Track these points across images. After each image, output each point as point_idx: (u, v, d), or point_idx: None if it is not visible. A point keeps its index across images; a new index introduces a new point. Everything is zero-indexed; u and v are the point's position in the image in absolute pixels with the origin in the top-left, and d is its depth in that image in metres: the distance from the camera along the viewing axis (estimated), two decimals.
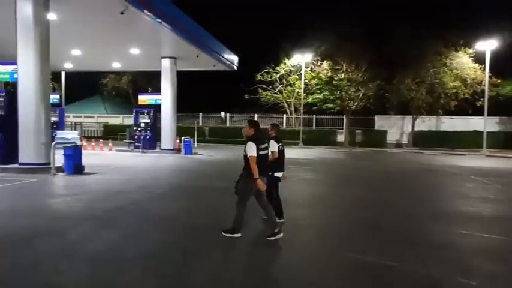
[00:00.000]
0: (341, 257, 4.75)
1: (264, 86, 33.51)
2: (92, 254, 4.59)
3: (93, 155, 16.66)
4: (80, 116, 37.61)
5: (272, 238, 5.25)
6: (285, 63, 32.50)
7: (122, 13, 11.86)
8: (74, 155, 11.29)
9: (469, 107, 27.12)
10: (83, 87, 38.90)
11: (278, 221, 5.91)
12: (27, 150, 11.27)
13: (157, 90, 23.42)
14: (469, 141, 26.08)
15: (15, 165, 11.28)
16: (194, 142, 20.70)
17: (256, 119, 32.54)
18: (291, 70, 32.75)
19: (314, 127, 31.88)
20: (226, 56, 21.66)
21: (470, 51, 26.81)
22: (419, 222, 6.65)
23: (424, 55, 26.59)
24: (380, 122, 30.84)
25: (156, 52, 19.43)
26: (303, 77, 29.81)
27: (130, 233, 5.58)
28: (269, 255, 4.84)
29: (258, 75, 33.21)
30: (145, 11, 12.76)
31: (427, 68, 27.10)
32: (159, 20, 13.75)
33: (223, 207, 7.45)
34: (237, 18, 48.50)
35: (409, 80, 27.44)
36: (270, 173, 5.91)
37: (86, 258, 4.44)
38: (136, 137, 20.82)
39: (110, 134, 31.13)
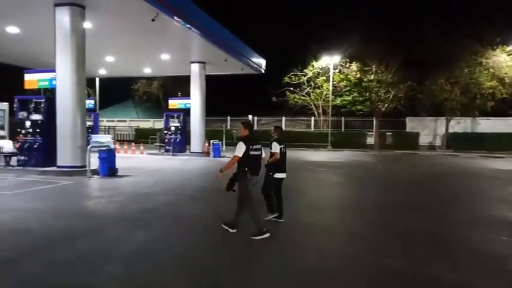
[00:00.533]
0: (373, 263, 4.64)
1: (291, 88, 33.39)
2: (126, 254, 4.72)
3: (126, 158, 17.16)
4: (113, 120, 38.89)
5: (224, 226, 5.61)
6: (313, 66, 32.28)
7: (153, 20, 12.19)
8: (108, 158, 11.68)
9: (507, 107, 25.89)
10: (115, 92, 40.20)
11: (279, 220, 6.29)
12: (65, 153, 11.76)
13: (186, 94, 23.86)
14: (508, 143, 24.88)
15: (54, 168, 11.80)
16: (222, 145, 20.92)
17: (284, 121, 32.53)
18: (318, 72, 32.48)
19: (343, 129, 31.41)
20: (254, 59, 21.78)
21: (508, 49, 25.63)
22: (456, 228, 6.40)
23: (458, 54, 25.65)
24: (411, 124, 29.98)
25: (185, 57, 19.82)
26: (331, 79, 29.49)
27: (162, 234, 5.70)
28: (301, 259, 4.79)
29: (285, 78, 33.15)
30: (175, 17, 13.06)
31: (462, 67, 26.12)
32: (188, 25, 14.03)
33: None
34: (264, 21, 48.67)
35: (442, 81, 26.55)
36: (271, 173, 6.27)
37: (120, 258, 4.58)
38: (166, 140, 21.29)
39: (141, 137, 32.03)
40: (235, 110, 34.08)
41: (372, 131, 29.31)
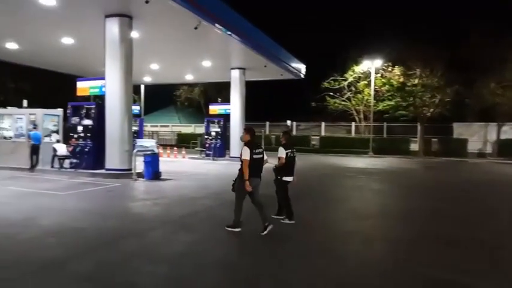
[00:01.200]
0: (416, 273, 4.46)
1: (331, 93, 32.98)
2: (170, 256, 4.87)
3: (169, 162, 17.70)
4: (157, 126, 40.30)
5: (264, 232, 5.74)
6: (354, 70, 31.71)
7: (195, 28, 12.56)
8: (152, 162, 12.13)
9: None
10: (159, 98, 41.75)
11: (288, 222, 6.61)
12: (113, 157, 12.36)
13: (226, 100, 24.27)
14: None
15: (102, 171, 12.43)
16: None
17: (323, 127, 32.16)
18: (359, 77, 31.84)
19: (385, 135, 30.47)
20: (293, 64, 21.78)
21: None
22: (504, 240, 6.01)
23: (511, 56, 24.09)
24: (459, 130, 28.50)
25: (226, 64, 20.20)
26: (372, 84, 28.78)
27: (204, 237, 5.82)
28: (341, 267, 4.71)
29: (325, 83, 32.80)
30: (216, 24, 13.37)
31: None
32: (229, 32, 14.31)
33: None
34: (303, 26, 48.52)
35: (493, 84, 25.07)
36: (278, 177, 6.75)
37: (165, 259, 4.73)
38: (207, 145, 21.74)
39: (183, 142, 32.92)
40: (274, 115, 34.19)
41: (416, 137, 28.21)
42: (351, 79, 32.03)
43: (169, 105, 47.01)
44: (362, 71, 31.25)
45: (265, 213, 5.98)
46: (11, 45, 16.71)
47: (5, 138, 14.66)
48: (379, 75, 29.82)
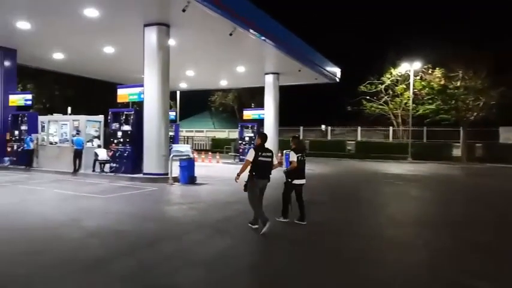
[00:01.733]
0: (456, 283, 4.20)
1: (367, 97, 32.25)
2: (206, 259, 4.88)
3: (203, 167, 17.94)
4: (192, 131, 41.08)
5: (251, 225, 6.40)
6: (391, 73, 30.86)
7: (230, 34, 12.72)
8: (188, 166, 12.33)
9: None
10: (194, 104, 42.62)
11: (301, 223, 6.86)
12: (150, 161, 12.70)
13: (260, 105, 24.34)
14: None
15: (140, 175, 12.79)
16: None
17: (359, 131, 31.48)
18: (397, 80, 30.94)
19: (425, 140, 29.31)
20: (328, 68, 21.52)
21: None
22: None
23: None
24: (506, 135, 26.85)
25: (260, 69, 20.30)
26: (411, 87, 27.85)
27: (239, 242, 5.80)
28: (380, 273, 4.52)
29: (361, 87, 32.16)
30: (251, 30, 13.46)
31: None
32: (263, 37, 14.37)
33: (326, 222, 7.29)
34: (338, 29, 47.89)
35: None
36: (289, 180, 6.98)
37: (201, 262, 4.75)
38: (240, 150, 21.85)
39: (217, 147, 33.35)
40: (308, 119, 33.91)
41: (459, 142, 26.92)
42: (388, 82, 31.18)
43: (204, 110, 47.87)
44: (400, 74, 30.36)
45: (262, 210, 6.40)
46: (58, 56, 17.71)
47: (50, 143, 15.47)
48: (418, 77, 28.81)
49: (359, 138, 31.36)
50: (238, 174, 6.34)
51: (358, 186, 13.67)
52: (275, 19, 15.05)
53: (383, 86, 31.49)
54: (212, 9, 11.07)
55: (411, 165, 22.78)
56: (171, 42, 13.46)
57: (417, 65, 27.43)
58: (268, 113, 21.46)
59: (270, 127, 21.34)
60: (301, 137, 30.64)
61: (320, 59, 20.39)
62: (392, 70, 30.68)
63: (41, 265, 4.44)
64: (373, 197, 10.99)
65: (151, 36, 12.69)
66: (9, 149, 16.14)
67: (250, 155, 6.20)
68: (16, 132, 16.09)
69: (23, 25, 13.10)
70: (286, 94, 24.19)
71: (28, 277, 4.07)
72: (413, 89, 28.06)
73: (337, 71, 23.16)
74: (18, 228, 6.21)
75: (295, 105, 37.04)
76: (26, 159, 15.19)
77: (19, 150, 15.73)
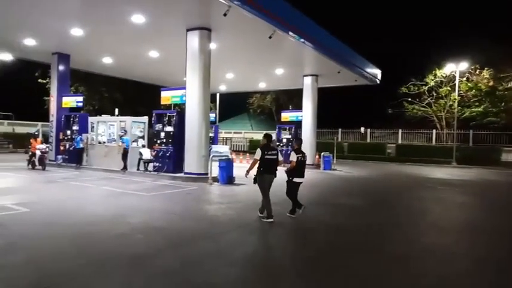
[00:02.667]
0: None
1: (409, 99, 31.23)
2: (244, 258, 5.05)
3: (241, 168, 18.16)
4: (230, 132, 41.74)
5: (261, 215, 7.32)
6: (435, 74, 29.70)
7: (270, 37, 12.87)
8: (227, 167, 12.63)
9: None
10: (232, 106, 43.27)
11: (291, 215, 7.62)
12: (191, 161, 13.13)
13: (297, 107, 24.32)
14: None
15: (181, 174, 13.25)
16: (333, 158, 20.64)
17: (400, 134, 30.55)
18: (441, 81, 29.73)
19: (471, 144, 27.89)
20: (368, 70, 21.12)
21: None
22: None
23: None
24: None
25: (298, 71, 20.30)
26: (457, 88, 26.66)
27: (277, 242, 5.92)
28: (423, 285, 4.46)
29: (402, 88, 31.21)
30: (290, 32, 13.55)
31: None
32: (302, 40, 14.39)
33: (360, 227, 7.23)
34: (378, 29, 46.76)
35: None
36: (290, 178, 7.57)
37: (239, 262, 4.91)
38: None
39: (255, 148, 33.49)
40: (346, 122, 33.37)
41: (509, 146, 25.39)
42: (432, 83, 30.04)
43: (242, 112, 48.46)
44: (445, 75, 29.15)
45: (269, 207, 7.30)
46: (107, 60, 18.75)
47: (99, 143, 16.41)
48: (464, 79, 27.52)
49: (400, 141, 30.42)
50: (248, 171, 7.22)
51: (397, 190, 13.34)
52: (314, 21, 15.03)
53: (426, 88, 30.37)
54: (252, 12, 11.28)
55: (456, 170, 21.80)
56: (212, 45, 13.83)
57: (463, 65, 26.18)
58: (306, 115, 21.40)
59: (307, 129, 21.27)
60: (339, 139, 30.30)
61: (360, 60, 20.07)
62: (436, 71, 29.52)
63: (91, 259, 4.79)
64: (413, 202, 10.71)
65: (193, 40, 13.13)
66: (62, 148, 17.30)
67: (258, 154, 7.12)
68: (68, 132, 17.21)
69: (76, 32, 14.01)
70: (324, 96, 23.99)
71: (79, 270, 4.42)
72: (459, 90, 26.85)
73: (377, 72, 22.67)
74: (71, 222, 6.71)
75: (334, 107, 36.57)
76: (76, 158, 16.22)
77: (70, 149, 16.82)
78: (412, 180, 16.54)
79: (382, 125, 32.45)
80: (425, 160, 26.03)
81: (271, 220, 7.04)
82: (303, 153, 7.69)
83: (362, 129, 31.89)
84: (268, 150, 7.16)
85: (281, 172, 7.53)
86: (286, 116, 23.52)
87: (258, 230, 6.62)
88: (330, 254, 5.44)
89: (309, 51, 15.82)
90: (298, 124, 22.19)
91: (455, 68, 26.42)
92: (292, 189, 7.64)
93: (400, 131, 30.78)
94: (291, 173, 7.57)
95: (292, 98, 35.36)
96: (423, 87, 30.48)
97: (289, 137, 22.03)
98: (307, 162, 21.26)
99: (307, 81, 21.19)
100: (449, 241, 6.40)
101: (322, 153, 19.98)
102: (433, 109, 30.49)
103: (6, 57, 24.62)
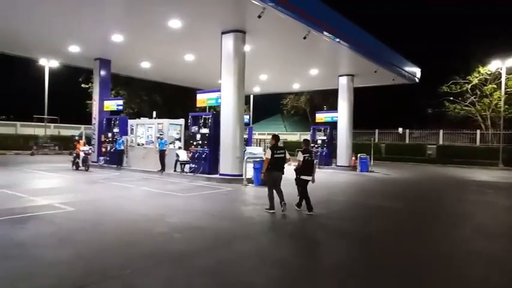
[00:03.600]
0: None
1: (451, 98, 29.91)
2: (282, 259, 5.01)
3: None
4: (264, 134, 41.81)
5: (267, 210, 8.07)
6: (479, 71, 28.27)
7: (304, 38, 12.78)
8: (261, 168, 12.59)
9: None
10: (266, 107, 43.37)
11: (308, 213, 8.01)
12: (226, 163, 13.27)
13: (332, 107, 23.97)
14: None
15: (217, 176, 13.42)
16: (370, 159, 20.16)
17: (441, 135, 29.36)
18: (486, 79, 28.24)
19: None
20: (407, 68, 20.46)
21: None
22: None
23: None
24: None
25: (333, 71, 20.01)
26: (503, 86, 25.22)
27: (313, 245, 5.85)
28: None
29: (443, 87, 29.95)
30: (325, 32, 13.39)
31: None
32: (337, 39, 14.17)
33: (395, 231, 6.99)
34: (416, 26, 45.16)
35: None
36: (298, 176, 8.23)
37: (277, 263, 4.88)
38: (313, 153, 21.69)
39: (289, 149, 33.33)
40: (383, 122, 32.51)
41: None
42: (475, 81, 28.61)
43: (275, 113, 48.44)
44: (489, 72, 27.68)
45: (282, 196, 8.13)
46: (145, 64, 19.39)
47: (138, 144, 16.97)
48: (511, 76, 25.99)
49: (441, 142, 29.21)
50: (263, 173, 8.10)
51: (438, 193, 12.80)
52: (349, 20, 14.76)
53: (469, 86, 28.97)
54: (286, 13, 11.25)
55: (502, 172, 20.61)
56: (247, 47, 13.92)
57: (510, 62, 24.73)
58: (342, 115, 21.02)
59: (343, 130, 20.89)
60: (376, 140, 29.56)
61: (398, 58, 19.48)
62: (480, 68, 28.10)
63: (133, 256, 4.95)
64: (456, 205, 10.23)
65: (228, 43, 13.29)
66: (103, 150, 18.05)
67: (268, 154, 7.92)
68: (109, 134, 17.94)
69: (117, 38, 14.60)
70: (360, 95, 23.49)
71: (124, 266, 4.57)
72: (506, 88, 25.37)
73: (416, 71, 21.91)
74: (114, 221, 6.97)
75: (370, 107, 35.73)
76: (117, 159, 16.86)
77: (111, 150, 17.51)
78: (455, 182, 15.82)
79: (421, 126, 31.31)
80: (469, 162, 24.80)
81: (273, 211, 7.99)
82: (311, 153, 8.35)
83: (400, 129, 30.92)
84: (276, 150, 7.96)
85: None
86: (321, 116, 23.24)
87: (295, 232, 6.57)
88: (368, 258, 5.29)
89: (345, 50, 15.56)
90: (333, 125, 21.86)
91: (501, 65, 25.03)
92: (300, 185, 8.31)
93: (441, 131, 29.56)
94: (299, 171, 8.22)
95: (327, 99, 34.89)
96: (466, 85, 29.10)
97: (324, 138, 21.73)
98: (342, 164, 21.08)
99: (343, 81, 20.83)
100: (494, 247, 6.04)
101: (358, 155, 19.55)
102: (477, 108, 29.03)
103: (53, 63, 26.10)
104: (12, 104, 35.34)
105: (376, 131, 32.67)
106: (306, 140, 9.04)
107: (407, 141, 31.22)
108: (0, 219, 6.65)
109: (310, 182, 8.26)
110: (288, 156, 8.09)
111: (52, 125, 33.49)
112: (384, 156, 28.77)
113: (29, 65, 32.42)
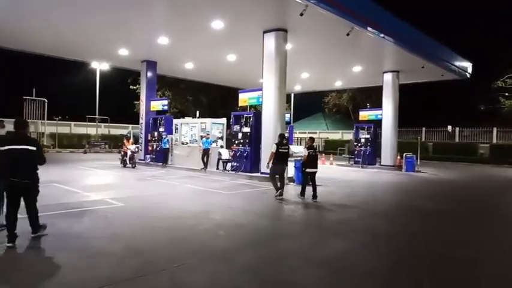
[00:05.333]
0: None
1: (506, 93, 28.02)
2: (324, 260, 4.96)
3: None
4: (305, 132, 41.50)
5: (276, 194, 9.52)
6: None
7: (347, 34, 12.52)
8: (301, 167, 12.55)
9: None
10: (307, 106, 42.97)
11: (314, 200, 9.26)
12: (266, 161, 13.28)
13: (376, 105, 23.28)
14: None
15: (258, 174, 13.53)
16: (417, 159, 19.38)
17: (495, 133, 27.59)
18: None
19: None
20: (457, 63, 19.43)
21: None
22: None
23: None
24: None
25: (377, 67, 19.44)
26: None
27: (357, 246, 5.74)
28: None
29: (497, 82, 28.10)
30: (368, 28, 13.04)
31: None
32: (382, 34, 13.75)
33: (452, 236, 6.68)
34: (467, 17, 42.64)
35: None
36: (303, 169, 9.68)
37: (319, 263, 4.85)
38: (355, 152, 21.26)
39: (330, 148, 33.03)
40: (431, 120, 31.11)
41: None
42: None
43: (317, 112, 47.87)
44: None
45: (284, 184, 9.82)
46: (189, 65, 19.95)
47: (182, 143, 17.50)
48: None
49: (494, 141, 27.43)
50: (268, 163, 9.62)
51: (491, 195, 12.06)
52: (394, 14, 14.26)
53: None
54: (330, 10, 11.09)
55: None
56: (288, 46, 13.88)
57: None
58: (386, 113, 20.36)
59: (388, 128, 20.23)
60: (423, 139, 28.37)
61: (447, 53, 18.54)
62: None
63: (180, 251, 5.13)
64: (507, 209, 9.59)
65: (269, 42, 13.33)
66: (150, 148, 18.80)
67: (274, 148, 9.46)
68: (155, 134, 18.65)
69: (163, 40, 15.14)
70: (406, 92, 22.62)
71: (171, 260, 4.76)
72: None
73: (467, 65, 20.73)
74: (161, 216, 7.26)
75: (417, 104, 34.33)
76: (162, 157, 17.50)
77: (157, 149, 18.20)
78: (507, 184, 14.82)
79: (472, 123, 29.57)
80: None
81: (280, 193, 9.49)
82: (315, 149, 9.74)
83: (449, 127, 29.39)
84: (281, 146, 9.48)
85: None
86: (365, 114, 22.63)
87: (337, 232, 6.48)
88: (411, 262, 5.12)
89: (390, 46, 15.06)
90: (377, 123, 21.24)
91: None
92: (304, 177, 9.79)
93: (494, 129, 27.77)
94: (304, 165, 9.68)
95: (370, 96, 33.94)
96: None
97: (368, 136, 21.17)
98: (387, 163, 20.38)
99: (387, 77, 20.17)
100: None
101: (404, 154, 18.86)
102: None
103: (104, 66, 27.57)
104: (67, 105, 37.72)
105: (423, 129, 31.31)
106: (311, 138, 10.17)
107: (457, 139, 29.66)
108: (59, 213, 7.16)
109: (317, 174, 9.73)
110: (291, 151, 10.18)
111: (103, 124, 35.37)
112: (432, 156, 27.52)
113: (82, 69, 34.55)
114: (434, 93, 33.13)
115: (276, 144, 9.48)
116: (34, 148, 5.18)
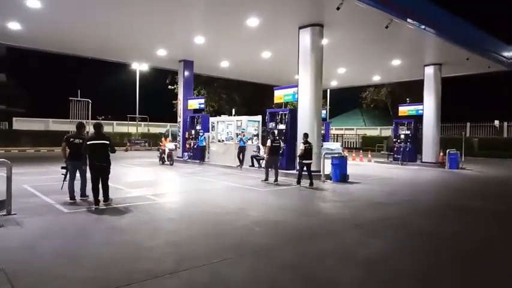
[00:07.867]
0: None
1: None
2: (364, 259, 4.85)
3: (354, 165, 17.66)
4: (341, 129, 40.81)
5: (263, 181, 11.80)
6: None
7: (386, 27, 12.15)
8: (340, 164, 12.38)
9: None
10: (343, 102, 42.17)
11: (309, 187, 10.97)
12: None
13: (416, 99, 22.41)
14: None
15: (294, 171, 13.42)
16: (461, 155, 18.47)
17: None
18: None
19: None
20: (505, 54, 18.29)
21: None
22: None
23: None
24: None
25: (418, 60, 18.71)
26: None
27: (397, 246, 5.57)
28: None
29: None
30: (408, 19, 12.57)
31: None
32: (422, 26, 13.21)
33: (500, 240, 6.31)
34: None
35: None
36: (300, 160, 11.33)
37: (359, 262, 4.75)
38: (395, 148, 20.62)
39: (368, 145, 32.23)
40: (476, 114, 29.53)
41: None
42: None
43: (353, 108, 46.88)
44: None
45: (277, 174, 11.78)
46: (224, 64, 20.17)
47: (218, 141, 17.75)
48: None
49: None
50: (267, 155, 11.57)
51: None
52: (435, 3, 13.63)
53: None
54: (367, 2, 10.80)
55: None
56: (324, 41, 13.67)
57: None
58: (428, 108, 19.55)
59: (429, 124, 19.43)
60: (467, 135, 27.04)
61: (494, 43, 17.49)
62: None
63: (219, 246, 5.21)
64: None
65: (305, 37, 13.20)
66: (187, 146, 19.24)
67: (269, 143, 11.47)
68: (193, 131, 19.05)
69: (199, 40, 15.41)
70: (449, 86, 21.59)
71: (210, 255, 4.84)
72: None
73: None
74: (199, 212, 7.41)
75: (461, 98, 32.70)
76: (199, 155, 17.85)
77: (194, 146, 18.58)
78: None
79: None
80: None
81: (267, 182, 11.66)
82: (310, 144, 11.24)
83: (496, 122, 27.78)
84: (275, 141, 11.57)
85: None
86: (405, 110, 21.86)
87: (376, 231, 6.32)
88: (453, 264, 4.89)
89: (431, 38, 14.45)
90: (418, 119, 20.45)
91: None
92: (301, 167, 11.35)
93: None
94: (300, 157, 11.24)
95: (410, 90, 32.72)
96: None
97: (408, 132, 20.44)
98: (429, 160, 19.65)
99: (429, 71, 19.35)
100: None
101: (447, 151, 18.05)
102: None
103: (143, 67, 28.52)
104: (109, 105, 39.39)
105: (468, 124, 29.79)
106: (305, 134, 11.47)
107: (505, 135, 27.96)
108: (106, 208, 7.51)
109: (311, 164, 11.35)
110: (282, 144, 12.83)
111: (143, 123, 36.63)
112: (477, 152, 26.14)
113: (122, 70, 35.90)
114: (480, 86, 31.39)
115: (271, 140, 11.51)
116: (107, 142, 7.62)
